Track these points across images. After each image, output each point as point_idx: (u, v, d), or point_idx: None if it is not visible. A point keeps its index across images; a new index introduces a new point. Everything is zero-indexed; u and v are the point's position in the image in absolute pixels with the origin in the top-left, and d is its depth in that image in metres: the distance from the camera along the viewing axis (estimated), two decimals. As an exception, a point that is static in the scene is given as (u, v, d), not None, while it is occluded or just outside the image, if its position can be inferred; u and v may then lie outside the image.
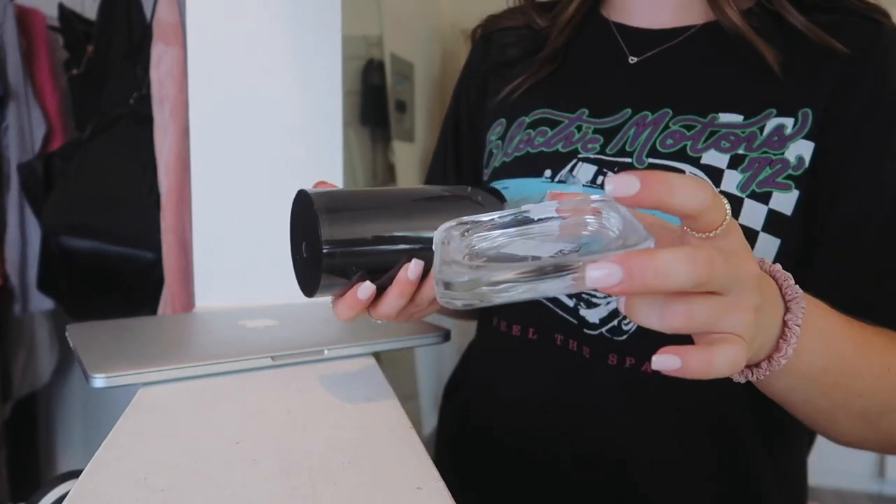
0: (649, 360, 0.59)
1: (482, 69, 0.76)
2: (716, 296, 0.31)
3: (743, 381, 0.40)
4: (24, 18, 1.69)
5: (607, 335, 0.59)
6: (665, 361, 0.31)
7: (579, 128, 0.64)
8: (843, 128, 0.55)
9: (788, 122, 0.56)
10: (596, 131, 0.63)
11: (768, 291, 0.37)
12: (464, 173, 0.78)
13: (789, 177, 0.56)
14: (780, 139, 0.56)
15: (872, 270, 0.55)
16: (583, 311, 0.61)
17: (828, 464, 2.34)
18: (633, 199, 0.29)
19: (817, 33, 0.56)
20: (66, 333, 0.65)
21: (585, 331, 0.61)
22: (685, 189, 0.29)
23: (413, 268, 0.49)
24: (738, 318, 0.32)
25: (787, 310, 0.39)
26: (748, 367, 0.39)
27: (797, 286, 0.39)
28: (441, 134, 0.81)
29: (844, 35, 0.57)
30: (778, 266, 0.40)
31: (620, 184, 0.29)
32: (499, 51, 0.75)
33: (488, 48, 0.76)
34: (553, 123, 0.66)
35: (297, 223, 0.52)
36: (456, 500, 0.40)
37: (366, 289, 0.49)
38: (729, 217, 0.32)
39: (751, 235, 0.55)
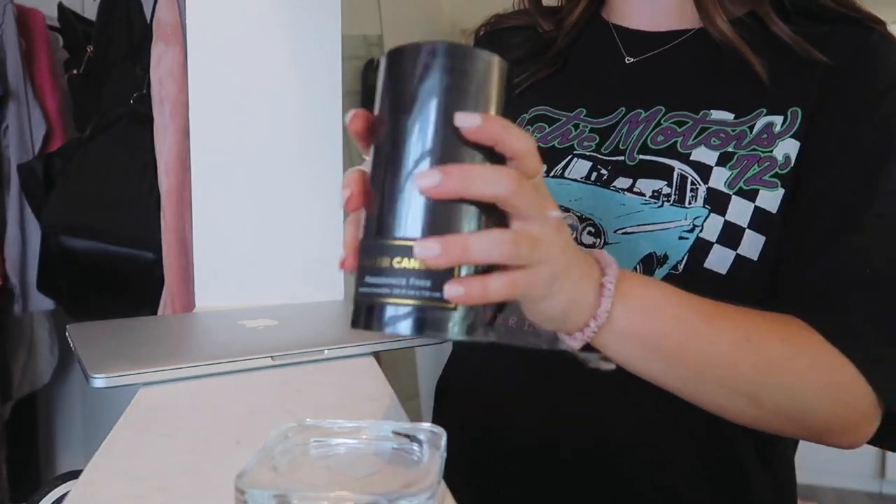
0: None
1: None
2: (524, 230, 0.37)
3: (576, 344, 0.43)
4: (24, 18, 1.69)
5: None
6: (453, 289, 0.35)
7: (576, 126, 0.65)
8: (822, 128, 0.56)
9: (778, 119, 0.57)
10: (592, 130, 0.64)
11: (581, 254, 0.42)
12: None
13: (776, 175, 0.56)
14: (770, 137, 0.57)
15: (811, 252, 0.55)
16: None
17: (828, 464, 2.35)
18: (476, 132, 0.35)
19: (803, 46, 0.57)
20: (66, 333, 0.65)
21: None
22: (514, 133, 0.36)
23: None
24: (541, 250, 0.37)
25: (603, 273, 0.43)
26: (579, 329, 0.43)
27: (611, 256, 0.44)
28: None
29: (834, 43, 0.57)
30: (598, 250, 0.45)
31: (466, 119, 0.35)
32: (504, 49, 0.75)
33: (495, 44, 0.77)
34: (551, 121, 0.66)
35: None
36: (456, 500, 0.40)
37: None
38: (542, 170, 0.38)
39: (737, 232, 0.56)
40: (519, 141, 0.36)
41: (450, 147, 0.35)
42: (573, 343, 0.44)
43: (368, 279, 0.36)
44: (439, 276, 0.35)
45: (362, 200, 0.38)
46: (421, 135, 0.35)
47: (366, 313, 0.36)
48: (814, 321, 0.50)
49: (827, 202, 0.55)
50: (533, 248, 0.37)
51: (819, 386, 0.49)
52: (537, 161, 0.37)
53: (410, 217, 0.35)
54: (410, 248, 0.34)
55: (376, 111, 0.38)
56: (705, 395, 0.49)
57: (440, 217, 0.35)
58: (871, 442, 0.53)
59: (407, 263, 0.35)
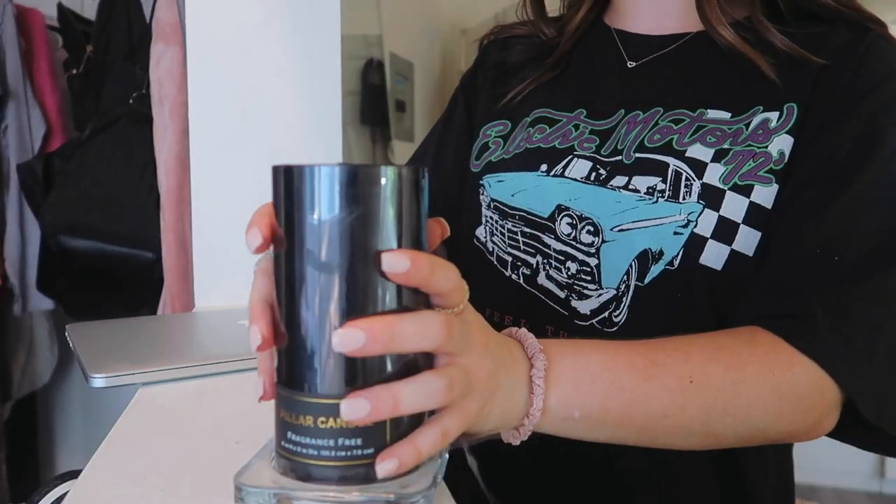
0: None
1: (494, 70, 0.76)
2: (453, 363, 0.36)
3: (515, 441, 0.42)
4: (24, 18, 1.69)
5: (598, 326, 0.60)
6: (386, 467, 0.34)
7: (577, 126, 0.65)
8: (810, 124, 0.56)
9: (773, 115, 0.57)
10: (592, 132, 0.64)
11: (507, 355, 0.40)
12: (445, 158, 0.77)
13: (771, 171, 0.56)
14: (765, 132, 0.57)
15: (780, 243, 0.54)
16: (574, 303, 0.61)
17: (828, 463, 2.35)
18: (403, 277, 0.33)
19: (798, 52, 0.57)
20: (66, 333, 0.65)
21: (576, 322, 0.61)
22: (441, 272, 0.34)
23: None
24: (472, 382, 0.36)
25: (531, 366, 0.41)
26: (515, 428, 0.42)
27: (538, 342, 0.42)
28: (444, 113, 0.81)
29: (830, 43, 0.57)
30: (523, 330, 0.43)
31: (393, 262, 0.33)
32: (509, 56, 0.76)
33: (500, 51, 0.77)
34: (551, 122, 0.67)
35: None
36: (456, 500, 0.40)
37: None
38: (466, 298, 0.37)
39: (732, 228, 0.56)
40: (445, 280, 0.34)
41: (368, 290, 0.33)
42: (512, 440, 0.43)
43: (292, 436, 0.34)
44: (369, 432, 0.33)
45: (273, 341, 0.37)
46: (333, 278, 0.32)
47: (297, 471, 0.34)
48: (771, 324, 0.49)
49: (801, 195, 0.54)
50: (465, 385, 0.36)
51: (772, 402, 0.47)
52: (462, 293, 0.36)
53: (330, 373, 0.33)
54: (335, 406, 0.32)
55: (279, 225, 0.35)
56: (660, 443, 0.48)
57: (365, 369, 0.33)
58: (831, 435, 0.52)
59: (333, 423, 0.33)
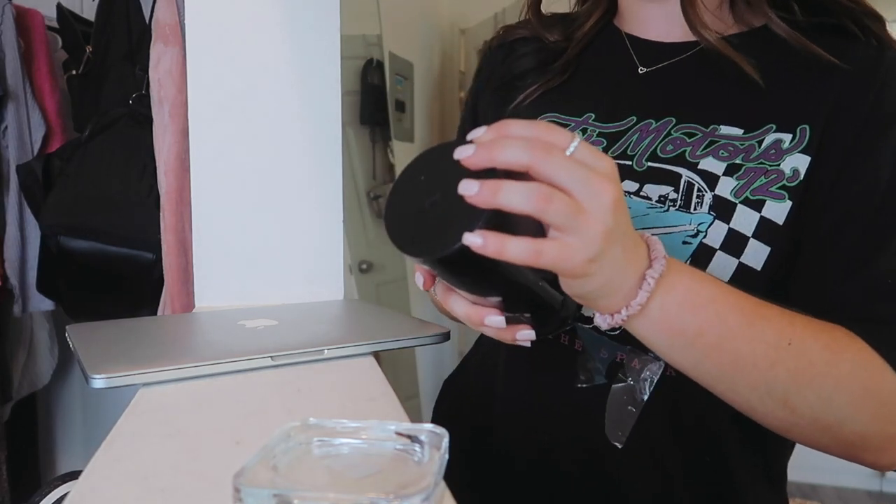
0: (639, 355, 0.60)
1: (501, 74, 0.76)
2: (569, 198, 0.38)
3: (604, 326, 0.44)
4: (23, 19, 1.69)
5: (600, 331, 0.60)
6: (470, 238, 0.37)
7: (584, 130, 0.65)
8: (840, 142, 0.56)
9: (787, 137, 0.57)
10: (600, 134, 0.64)
11: (630, 241, 0.41)
12: None
13: (783, 187, 0.56)
14: (777, 152, 0.57)
15: (844, 268, 0.55)
16: None
17: (829, 462, 2.35)
18: (468, 161, 0.37)
19: (802, 42, 0.57)
20: (66, 334, 0.65)
21: (578, 324, 0.61)
22: (509, 151, 0.37)
23: (494, 320, 0.45)
24: (580, 220, 0.38)
25: (649, 265, 0.43)
26: (610, 313, 0.44)
27: (664, 250, 0.44)
28: (459, 131, 0.82)
29: (847, 57, 0.57)
30: (654, 237, 0.45)
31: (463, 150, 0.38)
32: (516, 59, 0.75)
33: (507, 56, 0.77)
34: (560, 126, 0.67)
35: (439, 171, 0.42)
36: (456, 499, 0.40)
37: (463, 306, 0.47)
38: (577, 141, 0.39)
39: (741, 241, 0.56)
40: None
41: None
42: (601, 323, 0.44)
43: None
44: None
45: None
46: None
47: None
48: (856, 329, 0.50)
49: (853, 221, 0.55)
50: (568, 213, 0.37)
51: (857, 395, 0.48)
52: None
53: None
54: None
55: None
56: (737, 394, 0.48)
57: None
58: None
59: None
